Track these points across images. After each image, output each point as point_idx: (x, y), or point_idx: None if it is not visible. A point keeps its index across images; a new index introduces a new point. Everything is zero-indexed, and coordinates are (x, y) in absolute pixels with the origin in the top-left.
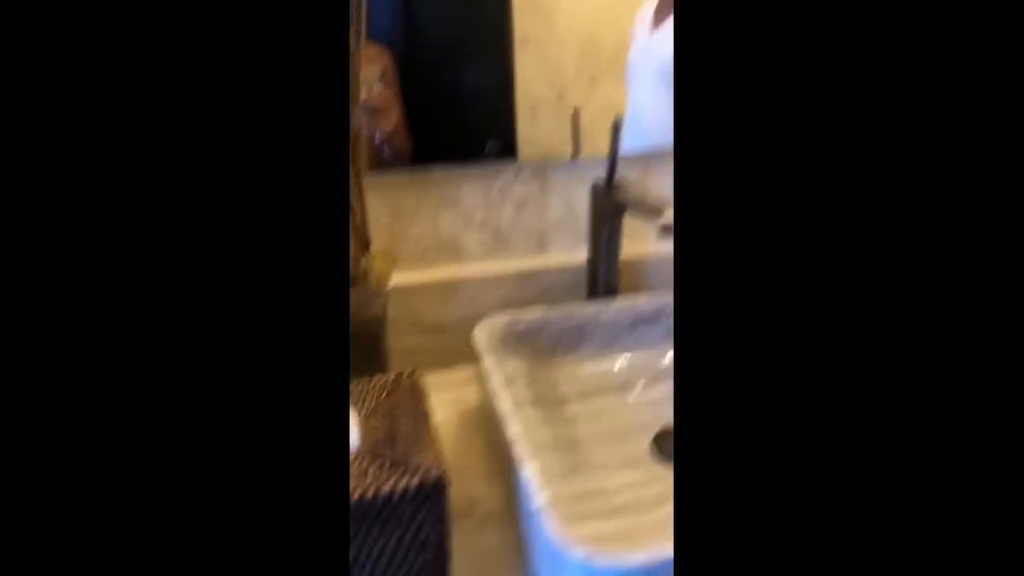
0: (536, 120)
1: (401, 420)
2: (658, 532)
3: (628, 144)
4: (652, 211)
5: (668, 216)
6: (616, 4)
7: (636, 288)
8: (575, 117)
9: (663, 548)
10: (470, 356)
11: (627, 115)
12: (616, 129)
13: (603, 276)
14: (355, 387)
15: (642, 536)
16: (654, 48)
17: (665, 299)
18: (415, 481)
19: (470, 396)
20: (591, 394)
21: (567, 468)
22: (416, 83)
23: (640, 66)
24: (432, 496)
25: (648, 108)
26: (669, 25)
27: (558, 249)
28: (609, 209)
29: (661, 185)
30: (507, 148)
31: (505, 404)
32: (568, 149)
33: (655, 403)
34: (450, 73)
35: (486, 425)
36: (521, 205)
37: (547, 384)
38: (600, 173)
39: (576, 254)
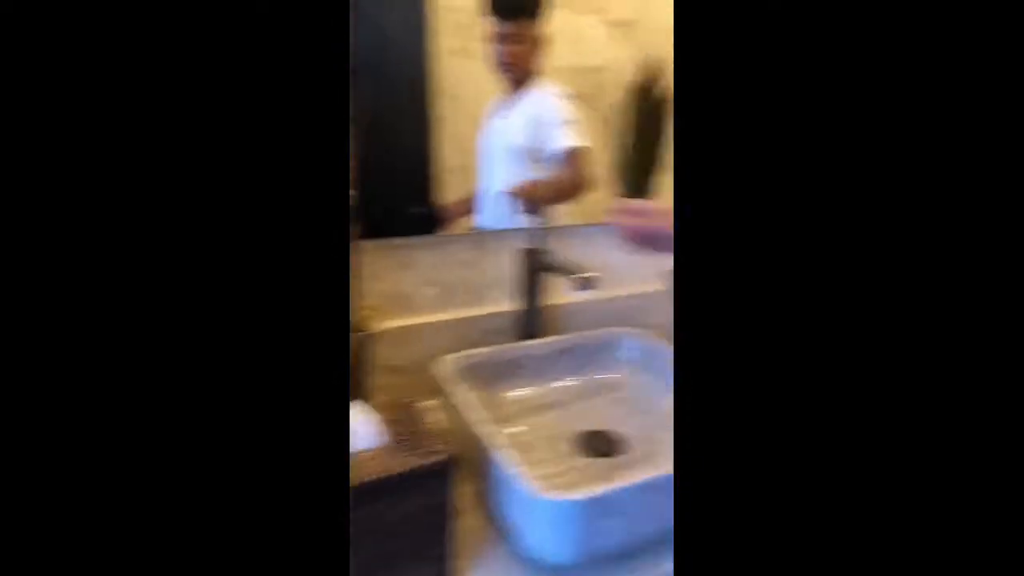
0: (444, 184)
1: (410, 426)
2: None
3: (484, 220)
4: (568, 270)
5: (582, 273)
6: None
7: (554, 330)
8: (509, 194)
9: (594, 492)
10: (424, 393)
11: (481, 193)
12: (539, 207)
13: (530, 321)
14: (366, 406)
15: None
16: (502, 132)
17: (578, 337)
18: (435, 459)
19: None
20: (525, 413)
21: (519, 463)
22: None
23: (490, 148)
24: (443, 472)
25: (498, 185)
26: (513, 112)
27: (492, 302)
28: (534, 269)
29: (569, 250)
30: (429, 213)
31: (474, 415)
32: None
33: (575, 416)
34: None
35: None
36: (464, 266)
37: (492, 407)
38: (524, 242)
39: (507, 305)
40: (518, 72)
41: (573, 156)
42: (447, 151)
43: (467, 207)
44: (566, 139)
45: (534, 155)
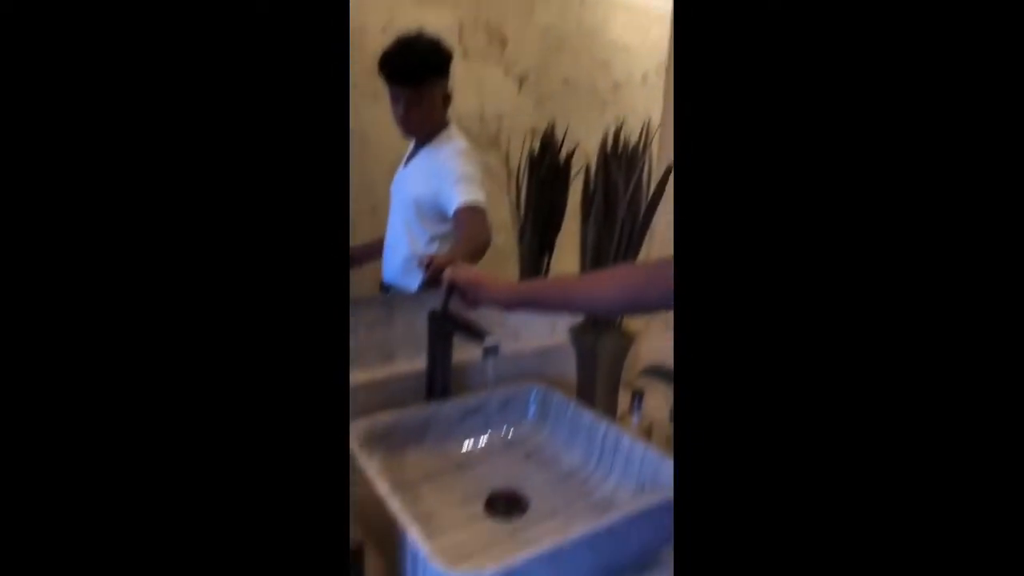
0: (354, 229)
1: None
2: (495, 562)
3: (386, 275)
4: (477, 335)
5: (490, 340)
6: None
7: (462, 389)
8: (420, 261)
9: (500, 567)
10: None
11: (386, 243)
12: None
13: (439, 382)
14: None
15: (487, 563)
16: (404, 183)
17: (484, 396)
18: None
19: None
20: (434, 475)
21: (428, 533)
22: None
23: (395, 198)
24: (357, 558)
25: (399, 240)
26: (415, 164)
27: (400, 362)
28: (443, 331)
29: (478, 312)
30: None
31: (383, 488)
32: None
33: (483, 476)
34: None
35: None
36: (371, 328)
37: (400, 471)
38: (434, 301)
39: (416, 364)
40: (419, 132)
41: (469, 213)
42: (356, 194)
43: (375, 250)
44: (462, 195)
45: (432, 210)
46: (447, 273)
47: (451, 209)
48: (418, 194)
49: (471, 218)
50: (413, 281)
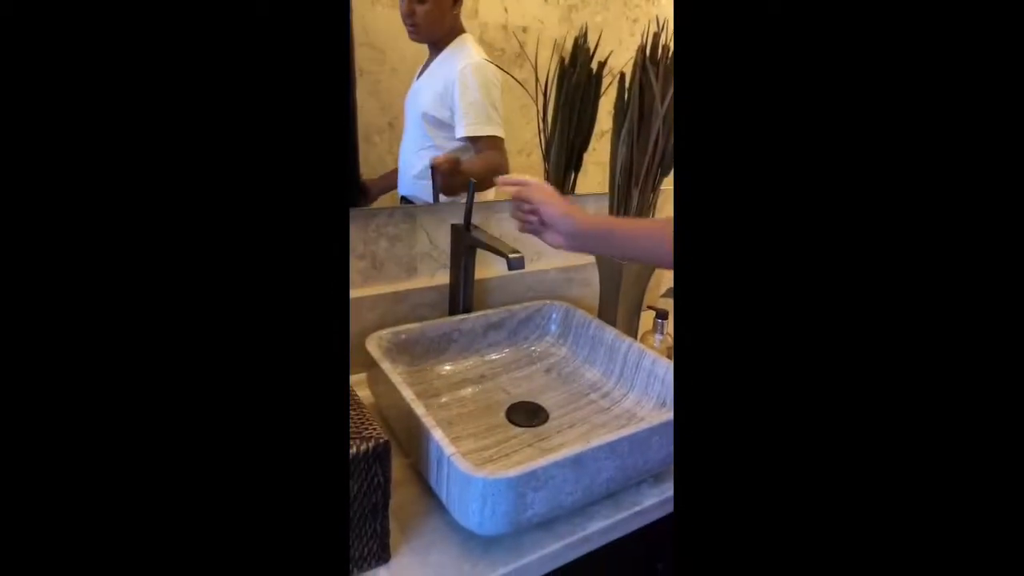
0: (370, 145)
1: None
2: (518, 466)
3: (401, 191)
4: (498, 248)
5: (515, 254)
6: None
7: (484, 304)
8: (433, 172)
9: (523, 469)
10: (355, 368)
11: (400, 159)
12: (471, 185)
13: (462, 296)
14: None
15: (510, 467)
16: (417, 96)
17: (507, 310)
18: (372, 445)
19: (364, 397)
20: (457, 385)
21: (451, 438)
22: None
23: (409, 111)
24: (382, 454)
25: (412, 156)
26: (428, 76)
27: (423, 275)
28: (467, 245)
29: (502, 226)
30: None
31: (408, 394)
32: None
33: (504, 387)
34: None
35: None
36: (393, 240)
37: (424, 381)
38: (456, 216)
39: (438, 279)
40: (425, 32)
41: (488, 144)
42: (373, 109)
43: (389, 182)
44: (479, 127)
45: (443, 127)
46: (502, 180)
47: (464, 135)
48: (427, 108)
49: (490, 148)
50: (428, 196)
